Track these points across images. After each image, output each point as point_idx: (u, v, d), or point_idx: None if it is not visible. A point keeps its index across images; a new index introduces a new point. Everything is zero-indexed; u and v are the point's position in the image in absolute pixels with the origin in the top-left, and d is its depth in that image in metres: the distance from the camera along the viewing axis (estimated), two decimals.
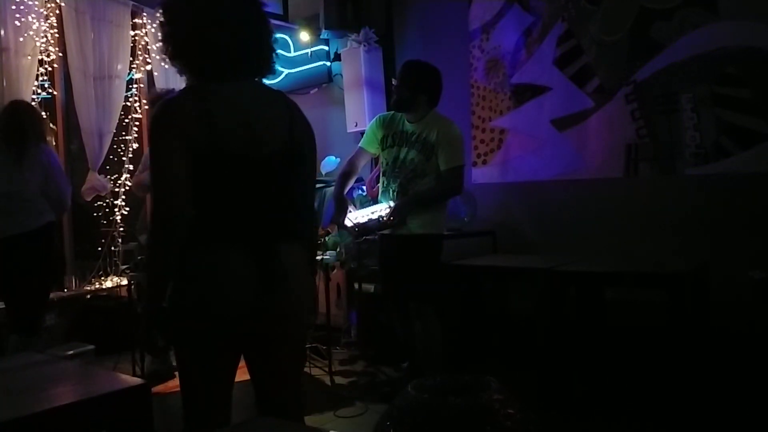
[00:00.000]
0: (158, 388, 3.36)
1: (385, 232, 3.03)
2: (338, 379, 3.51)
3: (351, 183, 3.17)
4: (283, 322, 1.63)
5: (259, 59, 1.65)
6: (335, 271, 4.12)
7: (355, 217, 3.04)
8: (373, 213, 3.03)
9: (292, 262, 1.62)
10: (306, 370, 3.70)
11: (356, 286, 4.04)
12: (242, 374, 3.78)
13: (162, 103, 1.57)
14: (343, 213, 3.02)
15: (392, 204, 2.97)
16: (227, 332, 1.56)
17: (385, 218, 2.94)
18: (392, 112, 3.11)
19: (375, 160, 3.73)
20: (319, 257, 3.52)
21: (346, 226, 3.04)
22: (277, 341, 1.65)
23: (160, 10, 1.65)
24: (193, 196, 1.50)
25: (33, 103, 3.79)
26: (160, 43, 1.62)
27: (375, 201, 3.27)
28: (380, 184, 3.12)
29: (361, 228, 3.01)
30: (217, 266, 1.53)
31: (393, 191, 3.00)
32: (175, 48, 1.60)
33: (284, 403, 1.68)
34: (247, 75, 1.63)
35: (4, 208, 3.08)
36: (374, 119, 3.17)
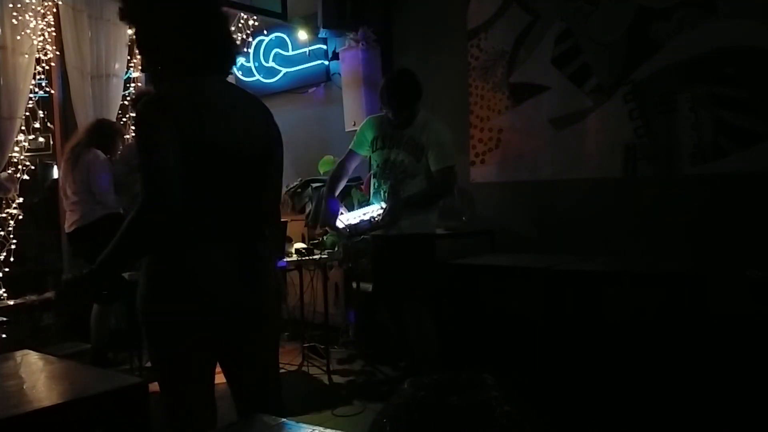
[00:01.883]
0: (156, 388, 3.36)
1: (377, 232, 3.04)
2: (336, 378, 3.52)
3: (342, 185, 3.18)
4: (265, 318, 1.66)
5: (225, 53, 1.65)
6: (333, 270, 4.13)
7: (347, 218, 3.05)
8: (365, 214, 3.04)
9: (267, 259, 1.66)
10: (304, 369, 3.71)
11: (354, 285, 4.05)
12: None
13: (152, 97, 1.52)
14: (334, 215, 3.04)
15: (383, 205, 2.98)
16: (214, 330, 1.55)
17: (376, 219, 2.95)
18: (382, 114, 3.11)
19: None
20: (317, 256, 3.52)
21: (337, 228, 3.05)
22: (260, 337, 1.67)
23: (126, 5, 1.63)
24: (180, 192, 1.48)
25: (112, 121, 4.23)
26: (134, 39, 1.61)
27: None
28: (372, 186, 3.13)
29: (353, 229, 3.03)
30: (204, 264, 1.52)
31: (384, 192, 3.01)
32: (145, 41, 1.59)
33: (265, 397, 1.70)
34: (215, 69, 1.63)
35: (68, 206, 3.76)
36: (365, 121, 3.19)
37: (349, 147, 3.17)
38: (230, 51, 1.66)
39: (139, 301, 1.54)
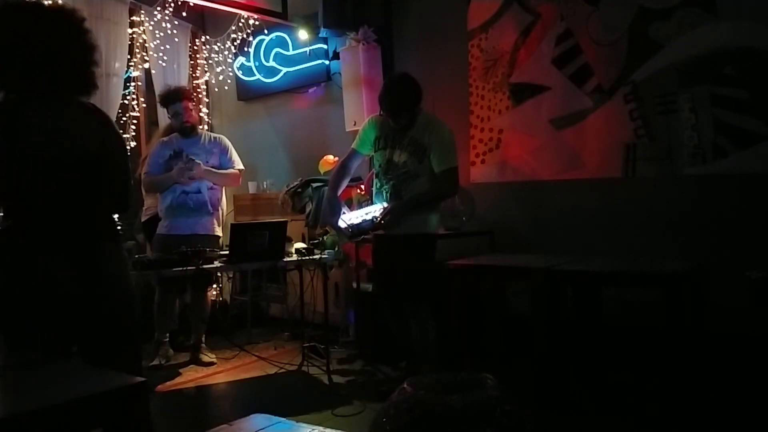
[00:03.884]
0: (157, 387, 3.36)
1: (379, 232, 3.04)
2: (336, 378, 3.52)
3: (344, 184, 3.17)
4: (104, 319, 1.79)
5: (71, 78, 1.77)
6: (333, 270, 4.13)
7: (349, 218, 3.05)
8: (367, 214, 3.04)
9: (113, 259, 1.80)
10: (304, 368, 3.71)
11: (354, 285, 4.05)
12: (239, 374, 3.78)
13: None
14: (336, 214, 3.03)
15: (386, 205, 2.98)
16: (53, 330, 1.70)
17: (379, 219, 2.95)
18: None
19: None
20: (317, 256, 3.52)
21: (339, 228, 3.05)
22: (101, 334, 1.81)
23: None
24: (7, 205, 1.70)
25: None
26: None
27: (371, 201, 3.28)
28: (374, 185, 3.13)
29: (355, 229, 3.03)
30: (40, 269, 1.68)
31: (386, 192, 3.01)
32: None
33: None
34: (58, 92, 1.75)
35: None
36: (367, 121, 3.18)
37: (352, 146, 3.17)
38: (67, 75, 1.76)
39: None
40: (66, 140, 1.71)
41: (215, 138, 3.99)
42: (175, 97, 3.83)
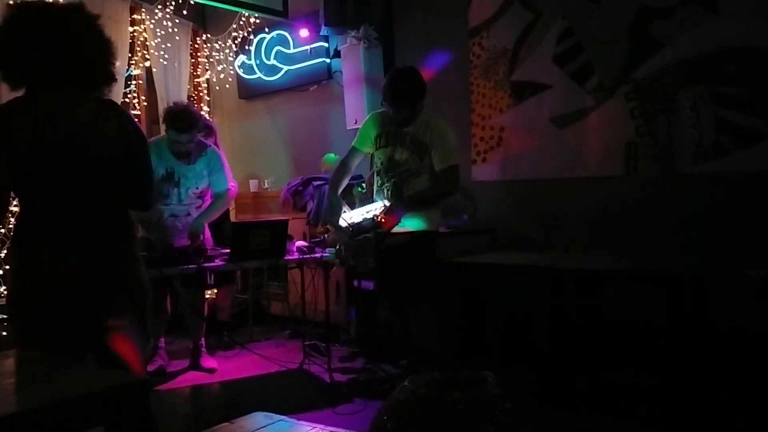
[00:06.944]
0: (158, 387, 3.36)
1: (380, 230, 3.03)
2: (337, 376, 3.52)
3: (345, 183, 3.17)
4: (116, 318, 1.76)
5: (87, 70, 1.74)
6: (334, 268, 4.13)
7: (350, 216, 3.04)
8: (367, 212, 3.03)
9: (128, 261, 1.76)
10: (305, 367, 3.71)
11: (355, 283, 4.05)
12: (240, 372, 3.78)
13: None
14: (336, 214, 3.03)
15: (387, 203, 2.97)
16: (65, 329, 1.67)
17: (379, 217, 2.94)
18: (385, 110, 3.09)
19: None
20: (318, 255, 3.52)
21: (340, 227, 3.04)
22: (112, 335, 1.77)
23: None
24: (25, 201, 1.67)
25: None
26: None
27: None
28: (374, 183, 3.12)
29: (356, 228, 3.02)
30: (52, 267, 1.65)
31: (387, 190, 3.00)
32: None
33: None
34: (74, 84, 1.72)
35: None
36: (367, 118, 3.17)
37: (352, 144, 3.17)
38: (88, 67, 1.73)
39: (8, 298, 1.71)
40: (85, 137, 1.68)
41: (208, 156, 3.59)
42: (182, 125, 3.36)
